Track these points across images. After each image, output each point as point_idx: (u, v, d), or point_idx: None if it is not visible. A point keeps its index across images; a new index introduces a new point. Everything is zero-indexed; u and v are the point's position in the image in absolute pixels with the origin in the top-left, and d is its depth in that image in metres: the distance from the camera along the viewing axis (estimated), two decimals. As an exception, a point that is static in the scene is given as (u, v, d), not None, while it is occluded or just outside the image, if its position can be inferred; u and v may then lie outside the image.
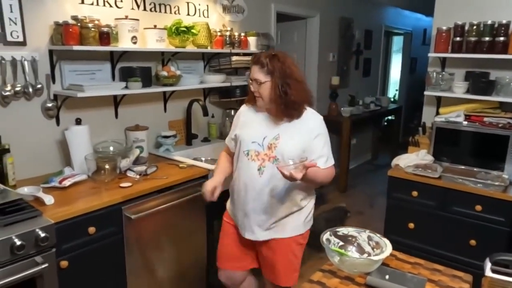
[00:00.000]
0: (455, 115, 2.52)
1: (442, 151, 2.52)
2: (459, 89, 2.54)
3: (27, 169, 2.10)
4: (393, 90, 7.54)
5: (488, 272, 1.01)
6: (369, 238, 1.28)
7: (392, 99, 6.57)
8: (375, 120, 5.85)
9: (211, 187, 1.71)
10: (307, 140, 1.65)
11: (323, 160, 1.68)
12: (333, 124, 4.66)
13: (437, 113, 2.73)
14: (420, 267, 1.25)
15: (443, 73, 2.68)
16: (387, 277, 1.15)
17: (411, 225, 2.45)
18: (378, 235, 1.27)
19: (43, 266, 1.57)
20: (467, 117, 2.49)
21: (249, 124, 1.74)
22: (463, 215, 2.27)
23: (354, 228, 1.32)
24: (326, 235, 1.26)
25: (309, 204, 1.80)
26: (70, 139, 2.16)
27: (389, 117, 6.42)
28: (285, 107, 1.62)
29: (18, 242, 1.51)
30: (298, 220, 1.76)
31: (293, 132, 1.65)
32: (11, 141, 2.01)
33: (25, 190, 1.89)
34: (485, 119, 2.42)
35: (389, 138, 6.02)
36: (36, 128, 2.14)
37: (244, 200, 1.73)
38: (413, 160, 2.52)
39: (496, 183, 2.17)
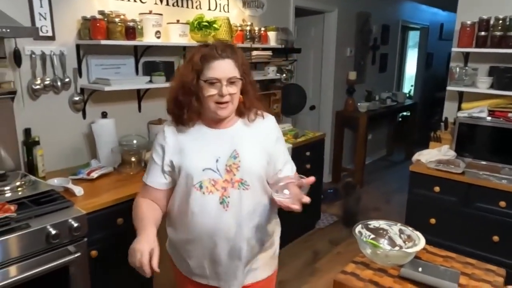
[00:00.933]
0: (478, 111, 2.50)
1: (464, 147, 2.51)
2: (483, 84, 2.52)
3: (55, 161, 2.15)
4: (408, 85, 7.47)
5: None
6: (401, 231, 1.29)
7: (407, 95, 6.52)
8: (390, 116, 5.81)
9: (147, 253, 1.11)
10: (268, 147, 1.33)
11: (289, 167, 1.40)
12: (349, 119, 4.67)
13: (459, 109, 2.71)
14: (452, 261, 1.25)
15: (466, 68, 2.65)
16: (420, 269, 1.15)
17: (433, 221, 2.44)
18: (410, 228, 1.28)
19: (76, 255, 1.62)
20: (491, 113, 2.47)
21: (189, 148, 1.28)
22: (486, 211, 2.25)
23: (385, 221, 1.33)
24: (358, 228, 1.27)
25: (278, 233, 1.47)
26: (97, 132, 2.20)
27: (404, 113, 6.37)
28: (245, 109, 1.32)
29: (53, 232, 1.55)
30: (272, 251, 1.43)
31: (250, 142, 1.30)
32: (40, 133, 2.06)
33: (55, 182, 1.94)
34: (510, 114, 2.39)
35: (404, 134, 5.98)
36: (63, 121, 2.19)
37: (210, 247, 1.28)
38: (435, 156, 2.51)
39: (521, 179, 2.15)
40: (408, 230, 1.28)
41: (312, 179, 1.19)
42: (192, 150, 1.27)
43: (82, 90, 2.23)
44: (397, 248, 1.24)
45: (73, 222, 1.62)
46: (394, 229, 1.31)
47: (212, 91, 1.22)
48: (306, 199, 1.15)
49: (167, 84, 2.43)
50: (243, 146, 1.29)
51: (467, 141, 2.51)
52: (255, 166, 1.29)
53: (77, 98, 2.20)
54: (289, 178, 1.22)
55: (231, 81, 1.23)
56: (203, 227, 1.26)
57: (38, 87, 2.04)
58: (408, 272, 1.14)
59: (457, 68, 2.65)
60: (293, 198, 1.14)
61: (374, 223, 1.32)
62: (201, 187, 1.25)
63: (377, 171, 5.33)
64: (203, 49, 1.25)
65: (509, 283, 1.22)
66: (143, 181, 1.35)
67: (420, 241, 1.21)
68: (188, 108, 1.26)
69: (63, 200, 1.73)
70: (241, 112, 1.33)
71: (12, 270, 1.47)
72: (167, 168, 1.30)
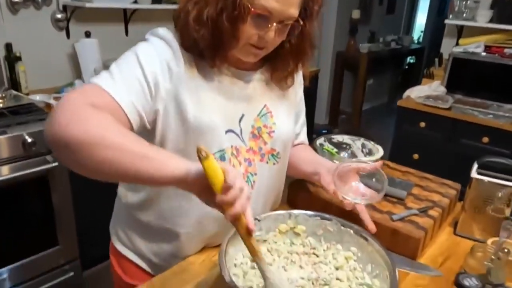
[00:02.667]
0: (474, 46, 2.41)
1: (456, 83, 2.45)
2: (482, 17, 2.41)
3: (39, 80, 2.16)
4: (418, 32, 7.19)
5: (474, 174, 1.03)
6: (363, 146, 1.29)
7: (416, 42, 6.29)
8: (396, 62, 5.65)
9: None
10: (295, 105, 1.02)
11: (305, 131, 1.12)
12: (349, 61, 4.54)
13: (457, 45, 2.61)
14: (411, 175, 1.27)
15: (468, 0, 2.52)
16: (374, 179, 1.17)
17: (416, 156, 2.45)
18: (372, 142, 1.28)
19: (53, 164, 1.67)
20: (487, 48, 2.39)
21: (207, 95, 0.83)
22: (469, 146, 2.25)
23: (349, 136, 1.33)
24: (320, 140, 1.28)
25: None
26: (80, 51, 2.18)
27: (411, 61, 6.18)
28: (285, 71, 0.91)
29: (29, 139, 1.59)
30: None
31: (280, 96, 0.95)
32: (22, 50, 2.04)
33: (37, 97, 1.96)
34: (506, 50, 2.31)
35: (409, 82, 5.85)
36: (46, 39, 2.16)
37: (210, 235, 0.92)
38: (425, 92, 2.47)
39: (507, 115, 2.12)
40: (370, 144, 1.28)
41: (380, 163, 0.94)
42: (209, 99, 0.82)
43: (64, 7, 2.18)
44: (355, 159, 1.25)
45: (50, 132, 1.66)
46: (357, 143, 1.31)
47: (251, 29, 0.76)
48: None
49: (153, 6, 2.37)
50: (274, 101, 0.92)
51: (459, 77, 2.45)
52: (291, 131, 0.97)
53: (59, 16, 2.16)
54: (355, 163, 0.94)
55: (285, 23, 0.78)
56: (210, 216, 0.87)
57: (17, 0, 1.99)
58: (362, 181, 1.15)
59: (458, 1, 2.52)
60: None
61: (337, 137, 1.32)
62: (222, 158, 0.84)
63: (376, 117, 5.29)
64: None
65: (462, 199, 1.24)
66: (98, 86, 0.73)
67: (379, 152, 1.22)
68: (219, 35, 0.76)
69: (42, 112, 1.76)
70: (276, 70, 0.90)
71: (-10, 171, 1.54)
72: (157, 106, 0.78)
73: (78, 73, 2.27)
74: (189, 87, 0.80)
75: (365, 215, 0.89)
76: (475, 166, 1.05)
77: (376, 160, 1.20)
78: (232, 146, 0.86)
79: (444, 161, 2.36)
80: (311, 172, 0.99)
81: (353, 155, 1.30)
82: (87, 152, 0.63)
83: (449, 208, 1.14)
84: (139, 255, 0.97)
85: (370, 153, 1.27)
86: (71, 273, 1.90)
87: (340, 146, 1.33)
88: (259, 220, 0.83)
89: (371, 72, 4.66)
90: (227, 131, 0.85)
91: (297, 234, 0.88)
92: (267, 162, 0.92)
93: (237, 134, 0.87)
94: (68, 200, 1.80)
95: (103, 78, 0.74)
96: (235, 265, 0.76)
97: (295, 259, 0.82)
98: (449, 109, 2.29)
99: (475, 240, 1.05)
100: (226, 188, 0.59)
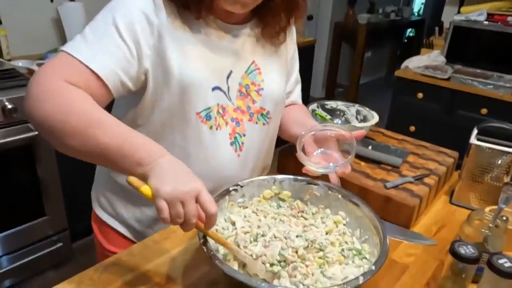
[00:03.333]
0: (477, 14, 2.32)
1: (456, 53, 2.37)
2: (486, -17, 2.30)
3: (22, 46, 2.06)
4: (419, 4, 7.00)
5: (473, 140, 0.97)
6: (358, 112, 1.24)
7: (416, 14, 6.13)
8: (395, 34, 5.52)
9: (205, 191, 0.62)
10: (286, 62, 0.94)
11: (299, 89, 1.05)
12: (347, 32, 4.42)
13: (459, 13, 2.52)
14: (406, 143, 1.22)
15: (472, -35, 2.41)
16: (370, 147, 1.12)
17: (412, 128, 2.40)
18: (367, 108, 1.23)
19: (36, 132, 1.60)
20: (490, 16, 2.29)
21: (192, 48, 0.76)
22: (467, 118, 2.20)
23: (344, 102, 1.27)
24: (312, 106, 1.22)
25: None
26: (64, 15, 2.08)
27: (410, 34, 6.05)
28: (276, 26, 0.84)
29: (10, 106, 1.52)
30: None
31: (270, 52, 0.88)
32: (3, 14, 1.94)
33: (19, 63, 1.88)
34: (509, 18, 2.22)
35: (408, 55, 5.72)
36: (28, 3, 2.05)
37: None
38: (424, 62, 2.39)
39: (508, 85, 2.06)
40: (365, 111, 1.22)
41: (362, 132, 0.86)
42: (196, 52, 0.76)
43: (46, -32, 2.06)
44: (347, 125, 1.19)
45: (31, 99, 1.59)
46: (351, 110, 1.25)
47: None
48: (347, 170, 0.81)
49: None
50: (264, 58, 0.86)
51: (460, 46, 2.36)
52: (282, 89, 0.91)
53: (41, -23, 2.04)
54: (327, 127, 0.84)
55: None
56: (209, 176, 0.81)
57: (-6, -42, 1.87)
58: (357, 148, 1.10)
59: (462, -35, 2.41)
60: (338, 168, 0.80)
61: (331, 104, 1.26)
62: (208, 117, 0.78)
63: (374, 91, 5.20)
64: None
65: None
66: (73, 57, 0.67)
67: (374, 119, 1.16)
68: None
69: (24, 78, 1.68)
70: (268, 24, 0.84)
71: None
72: (146, 64, 0.72)
73: (62, 39, 2.17)
74: (173, 39, 0.74)
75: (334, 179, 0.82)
76: (475, 132, 1.00)
77: (370, 125, 1.15)
78: (218, 104, 0.80)
79: (441, 133, 2.31)
80: (295, 134, 0.90)
81: (347, 121, 1.25)
82: (53, 138, 0.64)
83: (446, 176, 1.10)
84: (121, 222, 0.92)
85: (365, 119, 1.22)
86: (60, 244, 1.87)
87: (333, 112, 1.27)
88: (241, 186, 0.79)
89: (370, 44, 4.54)
90: (214, 88, 0.79)
91: (282, 200, 0.83)
92: (256, 123, 0.87)
93: (224, 92, 0.81)
94: (54, 169, 1.74)
95: (77, 44, 0.69)
96: (217, 230, 0.72)
97: (284, 219, 0.77)
98: (448, 79, 2.22)
99: (471, 209, 1.01)
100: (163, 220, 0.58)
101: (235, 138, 0.84)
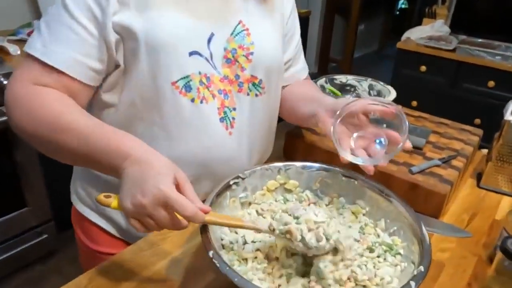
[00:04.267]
0: (483, -20, 2.18)
1: (461, 22, 2.24)
2: None
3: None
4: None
5: (509, 116, 0.86)
6: (370, 87, 1.11)
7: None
8: (387, 6, 5.35)
9: (173, 189, 0.51)
10: (282, 21, 0.79)
11: (303, 60, 0.91)
12: (341, 4, 4.24)
13: (462, -20, 2.38)
14: (425, 121, 1.11)
15: None
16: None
17: (414, 103, 2.29)
18: (382, 83, 1.10)
19: (10, 116, 1.45)
20: (497, -18, 2.16)
21: (162, 3, 0.63)
22: (472, 92, 2.09)
23: (355, 76, 1.15)
24: (320, 81, 1.09)
25: None
26: (36, -14, 1.87)
27: (402, 6, 5.87)
28: None
29: (-22, 87, 1.36)
30: None
31: (260, 10, 0.74)
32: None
33: (-12, 40, 1.69)
34: (518, -17, 2.09)
35: (400, 29, 5.57)
36: (-5, -29, 1.84)
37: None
38: (426, 32, 2.26)
39: (517, 56, 1.95)
40: (379, 85, 1.10)
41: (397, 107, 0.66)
42: (164, 12, 0.63)
43: None
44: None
45: (2, 80, 1.42)
46: (363, 85, 1.13)
47: None
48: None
49: None
50: (253, 18, 0.73)
51: (465, 15, 2.23)
52: (277, 54, 0.76)
53: None
54: (366, 100, 0.67)
55: None
56: (186, 165, 0.65)
57: None
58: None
59: None
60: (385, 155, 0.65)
61: (341, 78, 1.14)
62: (188, 88, 0.66)
63: (367, 65, 5.07)
64: None
65: (485, 147, 1.10)
66: (34, 57, 0.60)
67: (391, 94, 1.04)
68: None
69: (-7, 56, 1.51)
70: None
71: None
72: (110, 38, 0.61)
73: (36, 13, 1.97)
74: None
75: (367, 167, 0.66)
76: (510, 106, 0.88)
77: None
78: (200, 74, 0.67)
79: (445, 108, 2.21)
80: (308, 114, 0.76)
81: (358, 97, 1.12)
82: (36, 146, 0.62)
83: (471, 157, 0.99)
84: (103, 216, 0.79)
85: (379, 95, 1.09)
86: (45, 235, 1.74)
87: (343, 88, 1.14)
88: (243, 178, 0.66)
89: (362, 17, 4.38)
90: (191, 53, 0.66)
91: (289, 191, 0.72)
92: (247, 94, 0.73)
93: (206, 59, 0.68)
94: (34, 157, 1.59)
95: (33, 41, 0.61)
96: (223, 246, 0.60)
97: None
98: (453, 50, 2.10)
99: (502, 194, 0.91)
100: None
101: (225, 113, 0.71)
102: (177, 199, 0.49)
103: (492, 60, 1.99)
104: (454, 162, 0.88)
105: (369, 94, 1.12)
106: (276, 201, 0.71)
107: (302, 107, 0.80)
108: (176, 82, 0.65)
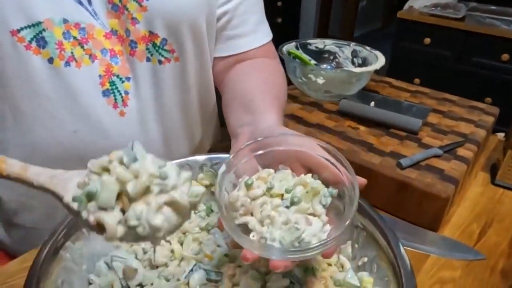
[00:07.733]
0: None
1: (471, -13, 1.96)
2: None
3: None
4: None
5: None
6: (354, 54, 0.87)
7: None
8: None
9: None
10: None
11: (262, 33, 0.62)
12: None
13: None
14: (424, 96, 0.86)
15: None
16: (372, 103, 0.76)
17: (417, 81, 2.03)
18: (369, 48, 0.86)
19: None
20: None
21: None
22: (483, 66, 1.83)
23: (335, 40, 0.90)
24: (288, 46, 0.84)
25: None
26: None
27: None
28: None
29: None
30: None
31: None
32: None
33: None
34: None
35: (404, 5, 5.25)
36: None
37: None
38: (431, 0, 1.98)
39: (536, 23, 1.68)
40: (365, 51, 0.85)
41: (363, 180, 0.34)
42: None
43: None
44: (339, 70, 0.82)
45: None
46: (345, 51, 0.88)
47: None
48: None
49: None
50: None
51: (475, -21, 1.95)
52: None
53: None
54: (295, 139, 0.37)
55: None
56: (46, 159, 0.47)
57: None
58: (351, 104, 0.74)
59: None
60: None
61: (316, 43, 0.89)
62: (41, 42, 0.45)
63: (369, 44, 4.71)
64: None
65: (501, 130, 0.86)
66: None
67: (378, 61, 0.79)
68: None
69: None
70: None
71: None
72: None
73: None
74: None
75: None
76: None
77: (374, 69, 0.77)
78: (65, 22, 0.45)
79: (451, 85, 1.94)
80: (232, 127, 0.49)
81: (338, 66, 0.88)
82: None
83: (484, 144, 0.75)
84: None
85: (364, 63, 0.85)
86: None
87: (320, 56, 0.90)
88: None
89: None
90: None
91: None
92: (148, 59, 0.50)
93: (79, 2, 0.46)
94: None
95: None
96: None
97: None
98: (461, 19, 1.83)
99: (527, 193, 0.67)
100: None
101: (112, 83, 0.49)
102: None
103: (508, 29, 1.72)
104: (461, 151, 0.64)
105: (353, 62, 0.87)
106: (194, 213, 0.47)
107: (230, 113, 0.52)
108: (19, 31, 0.43)
